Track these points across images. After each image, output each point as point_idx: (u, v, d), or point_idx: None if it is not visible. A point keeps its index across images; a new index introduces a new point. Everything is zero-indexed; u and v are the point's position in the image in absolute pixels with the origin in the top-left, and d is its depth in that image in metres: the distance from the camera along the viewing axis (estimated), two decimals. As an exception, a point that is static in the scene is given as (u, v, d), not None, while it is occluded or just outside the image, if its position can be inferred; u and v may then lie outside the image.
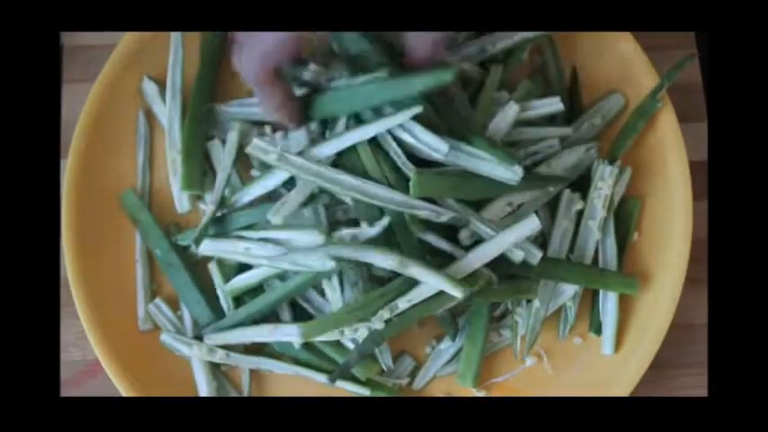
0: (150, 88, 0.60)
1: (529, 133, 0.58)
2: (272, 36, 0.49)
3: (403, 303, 0.53)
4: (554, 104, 0.58)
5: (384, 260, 0.52)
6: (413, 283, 0.53)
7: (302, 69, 0.54)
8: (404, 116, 0.52)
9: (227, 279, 0.57)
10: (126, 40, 0.59)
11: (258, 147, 0.54)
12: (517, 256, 0.54)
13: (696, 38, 0.65)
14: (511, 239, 0.54)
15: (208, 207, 0.57)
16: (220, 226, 0.57)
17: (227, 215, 0.57)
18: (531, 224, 0.54)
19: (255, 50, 0.50)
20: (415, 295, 0.53)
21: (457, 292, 0.52)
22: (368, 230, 0.54)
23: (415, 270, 0.52)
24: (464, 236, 0.55)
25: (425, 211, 0.53)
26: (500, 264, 0.55)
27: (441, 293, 0.53)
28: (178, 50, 0.60)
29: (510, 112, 0.56)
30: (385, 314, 0.53)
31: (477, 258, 0.54)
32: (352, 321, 0.53)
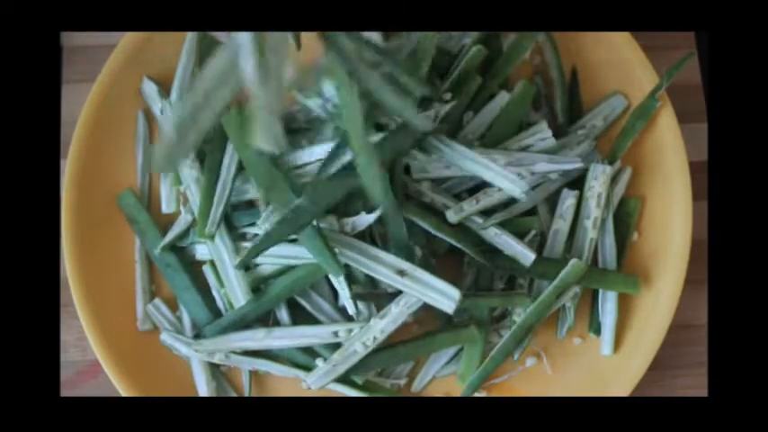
0: (150, 88, 0.60)
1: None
2: None
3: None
4: (544, 132, 0.58)
5: (380, 270, 0.53)
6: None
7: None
8: None
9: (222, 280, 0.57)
10: (126, 40, 0.59)
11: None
12: (522, 257, 0.55)
13: (696, 38, 0.65)
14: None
15: (185, 216, 0.58)
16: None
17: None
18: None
19: None
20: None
21: (446, 306, 0.52)
22: (365, 218, 0.54)
23: (410, 276, 0.53)
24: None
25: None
26: (500, 262, 0.55)
27: None
28: (191, 53, 0.60)
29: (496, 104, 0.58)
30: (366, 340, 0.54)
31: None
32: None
